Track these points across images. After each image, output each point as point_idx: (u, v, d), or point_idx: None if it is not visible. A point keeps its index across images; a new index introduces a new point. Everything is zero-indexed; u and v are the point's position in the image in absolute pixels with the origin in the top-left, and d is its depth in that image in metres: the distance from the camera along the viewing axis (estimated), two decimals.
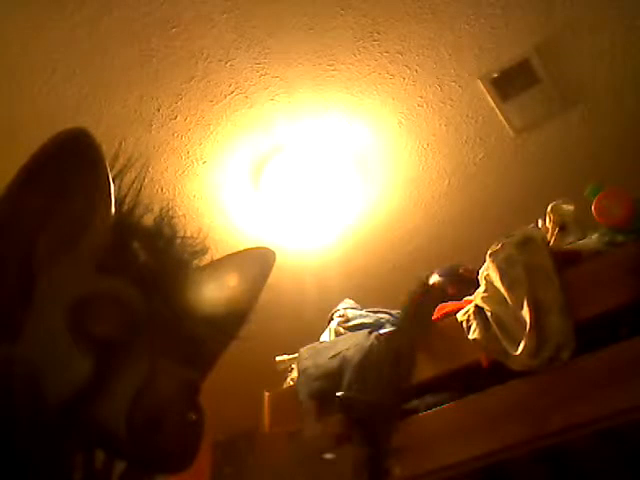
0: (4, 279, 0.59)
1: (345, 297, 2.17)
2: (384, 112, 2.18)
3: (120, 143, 0.67)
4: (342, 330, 1.96)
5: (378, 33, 1.95)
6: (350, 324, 1.97)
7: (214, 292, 0.71)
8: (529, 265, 1.57)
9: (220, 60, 1.96)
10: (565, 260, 1.59)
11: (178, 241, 0.70)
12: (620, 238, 1.60)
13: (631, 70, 2.12)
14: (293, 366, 1.88)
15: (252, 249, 0.78)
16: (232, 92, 2.05)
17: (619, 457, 1.53)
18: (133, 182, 0.69)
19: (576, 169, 2.37)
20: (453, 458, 1.55)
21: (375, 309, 2.06)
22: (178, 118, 2.10)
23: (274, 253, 0.78)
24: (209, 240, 0.74)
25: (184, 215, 0.73)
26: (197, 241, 0.73)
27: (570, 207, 1.75)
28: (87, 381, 0.56)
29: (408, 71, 2.07)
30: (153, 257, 0.66)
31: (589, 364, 1.48)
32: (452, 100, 2.17)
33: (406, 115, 2.20)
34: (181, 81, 2.00)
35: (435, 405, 1.62)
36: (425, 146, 2.31)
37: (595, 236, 1.65)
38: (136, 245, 0.66)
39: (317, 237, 2.53)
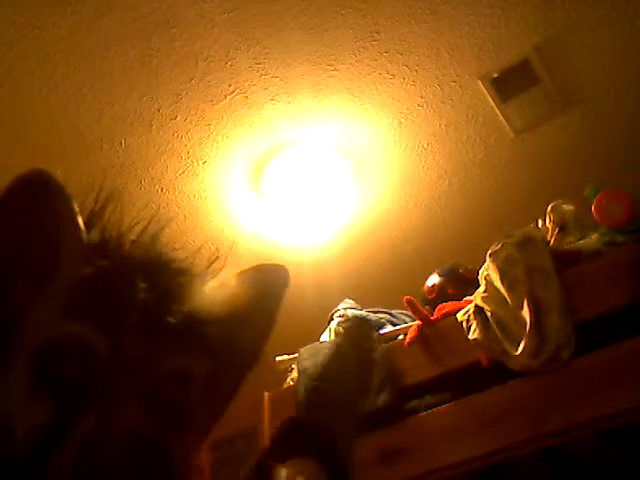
0: None
1: (344, 297, 2.17)
2: (384, 112, 2.18)
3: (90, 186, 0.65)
4: (342, 330, 1.95)
5: (378, 33, 1.95)
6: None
7: (214, 322, 0.64)
8: (529, 265, 1.57)
9: (220, 60, 1.96)
10: (565, 260, 1.59)
11: (166, 268, 0.66)
12: (620, 238, 1.60)
13: (631, 70, 2.12)
14: (293, 366, 1.88)
15: (261, 269, 0.71)
16: (232, 92, 2.05)
17: (619, 457, 1.53)
18: (110, 215, 0.65)
19: (576, 169, 2.37)
20: (453, 458, 1.55)
21: (375, 309, 2.06)
22: (178, 118, 2.10)
23: (287, 270, 0.71)
24: (208, 249, 0.69)
25: (185, 217, 0.70)
26: (189, 267, 0.67)
27: (570, 207, 1.75)
28: (44, 429, 0.54)
29: (408, 71, 2.07)
30: (130, 290, 0.61)
31: (589, 364, 1.48)
32: (452, 100, 2.17)
33: (406, 115, 2.20)
34: (181, 81, 2.00)
35: (435, 405, 1.62)
36: (425, 146, 2.31)
37: (595, 236, 1.65)
38: (112, 280, 0.62)
39: (316, 237, 2.53)
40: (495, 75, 2.10)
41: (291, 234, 2.49)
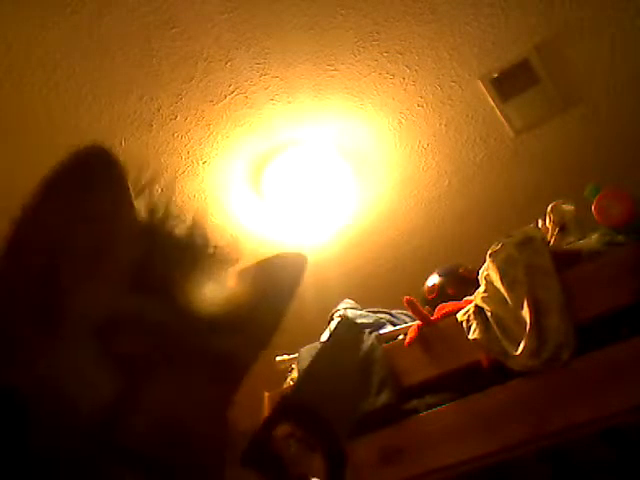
0: (27, 302, 0.58)
1: (345, 296, 2.17)
2: (384, 112, 2.18)
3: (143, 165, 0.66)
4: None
5: (378, 33, 1.95)
6: None
7: (245, 302, 0.68)
8: (529, 265, 1.57)
9: (220, 60, 1.96)
10: (565, 260, 1.59)
11: (209, 252, 0.68)
12: (620, 238, 1.60)
13: (631, 70, 2.13)
14: (293, 366, 1.88)
15: (282, 255, 0.75)
16: (232, 92, 2.05)
17: (619, 457, 1.53)
18: (161, 195, 0.67)
19: (576, 169, 2.37)
20: (453, 458, 1.55)
21: (375, 309, 2.06)
22: (178, 118, 2.10)
23: (306, 258, 0.75)
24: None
25: (209, 223, 0.71)
26: (228, 251, 0.70)
27: (570, 207, 1.75)
28: (113, 401, 0.55)
29: (408, 71, 2.07)
30: (182, 271, 0.64)
31: (589, 364, 1.48)
32: (452, 100, 2.17)
33: (406, 115, 2.20)
34: (181, 81, 2.00)
35: (435, 405, 1.62)
36: (425, 146, 2.31)
37: (595, 236, 1.65)
38: (165, 259, 0.64)
39: (317, 237, 2.53)
40: (495, 75, 2.10)
41: (291, 234, 2.49)
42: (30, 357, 0.58)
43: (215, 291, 0.66)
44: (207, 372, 0.61)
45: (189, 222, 0.68)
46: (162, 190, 0.68)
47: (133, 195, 0.61)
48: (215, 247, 0.69)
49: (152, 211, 0.66)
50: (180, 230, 0.67)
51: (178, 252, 0.66)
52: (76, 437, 0.55)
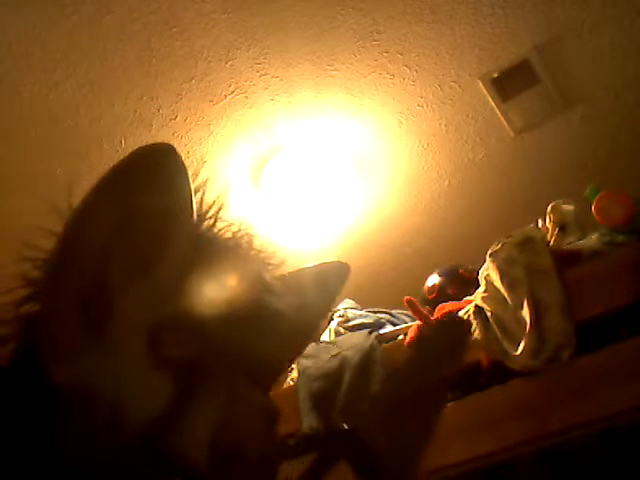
0: (74, 309, 0.56)
1: (345, 296, 2.17)
2: (384, 112, 2.18)
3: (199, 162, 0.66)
4: (342, 330, 1.96)
5: (378, 33, 1.95)
6: (350, 324, 1.97)
7: (289, 308, 0.67)
8: (529, 265, 1.57)
9: (220, 60, 1.96)
10: (565, 260, 1.59)
11: (255, 256, 0.67)
12: (620, 238, 1.60)
13: (631, 70, 2.12)
14: (293, 366, 1.88)
15: (327, 263, 0.77)
16: (232, 92, 2.05)
17: (619, 457, 1.53)
18: (215, 199, 0.66)
19: (576, 169, 2.37)
20: (453, 458, 1.55)
21: (375, 309, 2.06)
22: (178, 118, 2.10)
23: (349, 267, 0.77)
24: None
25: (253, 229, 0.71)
26: (273, 255, 0.70)
27: (570, 207, 1.75)
28: (165, 407, 0.54)
29: (408, 71, 2.07)
30: (232, 274, 0.63)
31: (589, 364, 1.48)
32: (452, 100, 2.17)
33: (406, 115, 2.20)
34: (181, 81, 2.00)
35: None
36: (425, 146, 2.31)
37: (595, 236, 1.65)
38: (215, 262, 0.63)
39: (317, 237, 2.53)
40: (495, 75, 2.10)
41: (291, 235, 2.49)
42: (73, 355, 0.56)
43: (260, 295, 0.64)
44: (254, 379, 0.60)
45: (236, 226, 0.67)
46: (215, 193, 0.66)
47: (193, 195, 0.60)
48: (260, 251, 0.68)
49: (204, 213, 0.65)
50: (228, 233, 0.66)
51: (226, 254, 0.64)
52: (118, 445, 0.53)
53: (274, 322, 0.63)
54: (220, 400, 0.56)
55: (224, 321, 0.59)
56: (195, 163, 2.24)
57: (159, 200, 0.57)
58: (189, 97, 2.04)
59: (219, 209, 0.66)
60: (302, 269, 0.73)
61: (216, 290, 0.60)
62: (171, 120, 2.10)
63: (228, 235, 0.66)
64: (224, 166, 2.26)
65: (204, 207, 0.65)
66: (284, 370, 0.75)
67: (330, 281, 0.75)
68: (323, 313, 0.76)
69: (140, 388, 0.55)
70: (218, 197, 0.66)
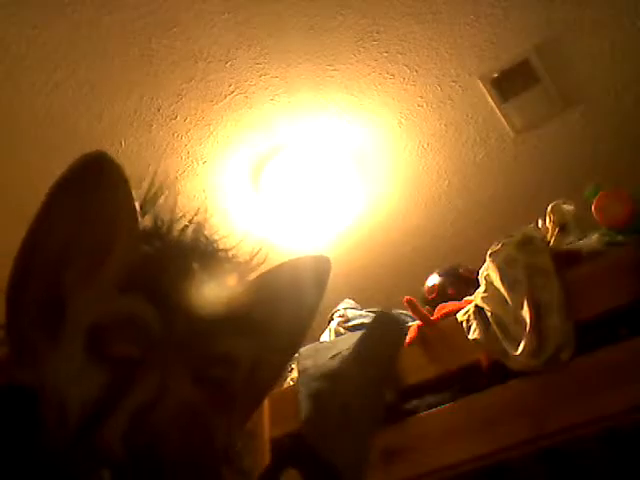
0: (34, 312, 0.60)
1: (345, 297, 2.17)
2: (384, 112, 2.18)
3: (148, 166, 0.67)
4: (342, 330, 1.96)
5: (378, 33, 1.95)
6: (350, 324, 1.97)
7: (258, 307, 0.66)
8: (529, 265, 1.57)
9: (220, 60, 1.96)
10: (565, 260, 1.59)
11: (214, 254, 0.67)
12: (620, 238, 1.60)
13: (631, 70, 2.12)
14: (293, 366, 1.88)
15: (303, 258, 0.73)
16: (232, 92, 2.05)
17: (619, 457, 1.53)
18: (163, 199, 0.68)
19: (576, 169, 2.37)
20: (453, 458, 1.55)
21: (375, 309, 2.06)
22: (178, 118, 2.10)
23: (329, 260, 0.73)
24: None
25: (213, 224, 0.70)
26: (241, 255, 0.69)
27: (570, 207, 1.75)
28: (99, 398, 0.56)
29: (408, 71, 2.07)
30: (184, 273, 0.63)
31: (589, 364, 1.48)
32: (452, 100, 2.17)
33: (406, 115, 2.20)
34: (181, 81, 2.00)
35: (435, 405, 1.62)
36: (425, 146, 2.31)
37: (595, 236, 1.65)
38: (165, 261, 0.63)
39: (317, 237, 2.53)
40: (495, 75, 2.10)
41: (291, 235, 2.49)
42: (35, 358, 0.60)
43: (221, 293, 0.64)
44: (196, 375, 0.59)
45: (193, 224, 0.67)
46: (165, 192, 0.68)
47: (135, 198, 0.62)
48: (222, 249, 0.68)
49: (156, 214, 0.66)
50: (184, 232, 0.67)
51: (180, 254, 0.65)
52: (62, 436, 0.56)
53: (236, 320, 0.63)
54: (147, 392, 0.56)
55: (168, 318, 0.59)
56: (195, 163, 2.24)
57: (102, 205, 0.61)
58: (189, 97, 2.04)
59: (171, 208, 0.67)
60: (278, 266, 0.71)
61: (160, 287, 0.61)
62: (171, 120, 2.10)
63: (184, 233, 0.67)
64: (224, 166, 2.26)
65: (155, 208, 0.67)
66: (272, 375, 0.73)
67: (309, 278, 0.72)
68: (307, 312, 0.73)
69: (77, 382, 0.57)
70: (169, 195, 0.68)
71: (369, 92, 2.11)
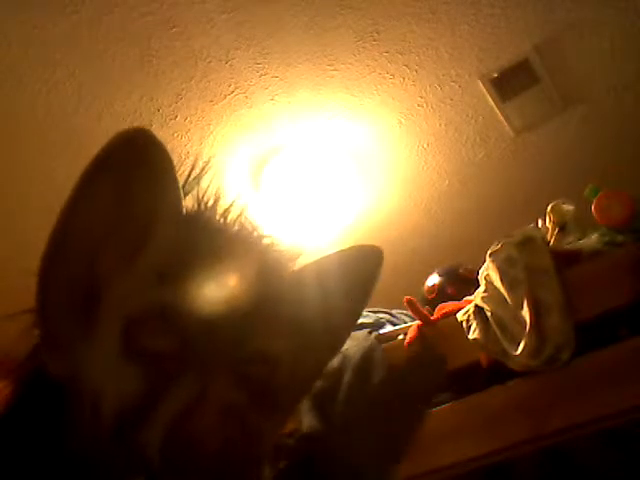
0: (67, 300, 0.56)
1: None
2: (384, 112, 2.18)
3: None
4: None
5: (378, 33, 1.95)
6: None
7: (301, 303, 0.61)
8: (529, 265, 1.57)
9: (220, 60, 1.96)
10: (565, 260, 1.59)
11: (259, 245, 0.63)
12: (620, 238, 1.60)
13: (631, 70, 2.12)
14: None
15: (354, 248, 0.68)
16: (232, 92, 2.05)
17: (619, 457, 1.53)
18: (209, 184, 0.62)
19: (576, 169, 2.37)
20: (453, 458, 1.54)
21: (375, 309, 2.06)
22: (178, 118, 2.10)
23: (381, 252, 0.67)
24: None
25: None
26: (282, 246, 0.65)
27: (570, 207, 1.75)
28: (136, 399, 0.52)
29: (408, 71, 2.07)
30: (222, 260, 0.58)
31: (589, 364, 1.48)
32: (452, 100, 2.17)
33: (406, 115, 2.20)
34: (181, 81, 2.00)
35: (435, 405, 1.62)
36: (425, 146, 2.31)
37: (595, 236, 1.65)
38: (208, 251, 0.58)
39: (316, 237, 2.53)
40: (495, 75, 2.10)
41: (291, 235, 2.49)
42: (67, 349, 0.55)
43: (265, 285, 0.59)
44: (232, 381, 0.54)
45: (236, 208, 0.63)
46: (208, 173, 0.63)
47: (180, 183, 0.58)
48: (267, 236, 0.64)
49: (199, 197, 0.61)
50: (226, 216, 0.62)
51: (222, 241, 0.60)
52: (95, 436, 0.52)
53: (275, 318, 0.59)
54: (186, 395, 0.52)
55: (208, 312, 0.55)
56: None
57: (145, 189, 0.56)
58: (189, 97, 2.04)
59: (218, 196, 0.63)
60: (322, 259, 0.66)
61: (204, 279, 0.56)
62: (171, 120, 2.10)
63: (229, 223, 0.62)
64: (224, 166, 2.26)
65: (201, 194, 0.62)
66: (310, 378, 0.67)
67: (358, 273, 0.66)
68: (353, 310, 0.67)
69: (113, 379, 0.53)
70: (214, 183, 0.63)
71: (369, 92, 2.11)
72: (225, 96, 2.06)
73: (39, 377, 0.56)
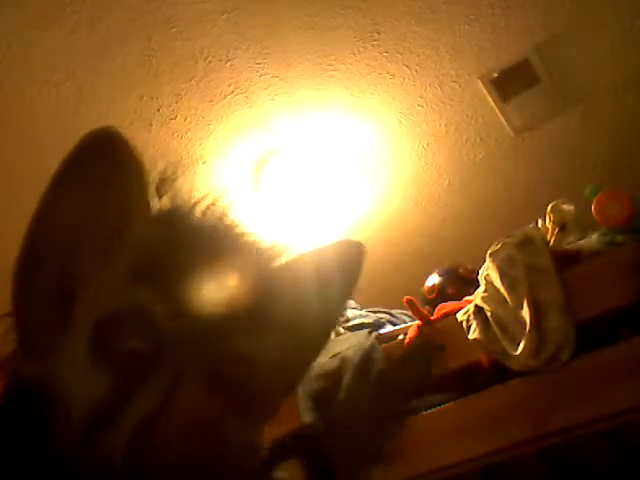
0: (41, 303, 0.56)
1: None
2: (384, 112, 2.18)
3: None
4: (342, 330, 1.95)
5: (378, 33, 1.95)
6: (350, 324, 1.97)
7: (281, 301, 0.59)
8: (529, 265, 1.57)
9: (220, 60, 1.96)
10: (565, 260, 1.59)
11: (237, 240, 0.61)
12: (620, 238, 1.60)
13: (631, 70, 2.12)
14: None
15: (330, 245, 0.66)
16: (232, 92, 2.05)
17: (619, 457, 1.53)
18: (182, 183, 0.61)
19: (576, 169, 2.37)
20: (453, 458, 1.55)
21: (375, 309, 2.06)
22: (178, 118, 2.10)
23: (361, 245, 0.67)
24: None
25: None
26: (270, 244, 0.63)
27: (570, 207, 1.75)
28: (104, 402, 0.51)
29: (408, 71, 2.07)
30: (198, 259, 0.57)
31: (589, 364, 1.48)
32: (452, 100, 2.17)
33: (406, 115, 2.20)
34: (181, 81, 2.00)
35: (435, 405, 1.62)
36: (425, 146, 2.31)
37: (595, 236, 1.65)
38: (180, 247, 0.57)
39: (316, 237, 2.53)
40: (495, 75, 2.10)
41: (291, 235, 2.49)
42: (43, 349, 0.55)
43: (243, 285, 0.58)
44: (205, 384, 0.53)
45: (215, 206, 0.61)
46: (185, 173, 0.62)
47: (151, 181, 0.57)
48: (246, 233, 0.62)
49: (175, 195, 0.60)
50: (205, 215, 0.61)
51: (199, 240, 0.59)
52: (66, 440, 0.51)
53: (256, 316, 0.57)
54: (154, 398, 0.51)
55: (182, 312, 0.54)
56: (195, 163, 2.24)
57: (114, 189, 0.56)
58: (189, 97, 2.04)
59: (188, 194, 0.62)
60: (307, 254, 0.64)
61: (178, 279, 0.55)
62: (171, 120, 2.10)
63: (206, 221, 0.60)
64: (224, 166, 2.26)
65: (177, 193, 0.61)
66: (296, 375, 0.67)
67: (338, 269, 0.65)
68: (334, 308, 0.66)
69: (83, 382, 0.52)
70: (185, 181, 0.62)
71: (369, 92, 2.11)
72: (225, 96, 2.06)
73: (16, 380, 0.55)
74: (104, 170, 0.55)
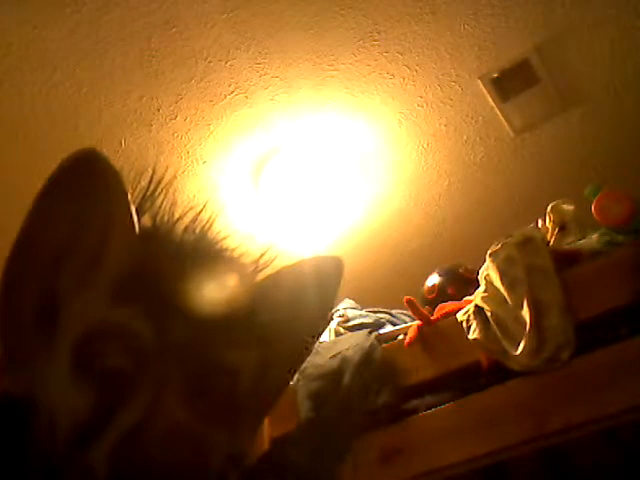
0: (25, 318, 0.57)
1: (345, 297, 2.17)
2: (384, 112, 2.18)
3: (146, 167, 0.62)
4: (342, 330, 1.95)
5: (378, 33, 1.95)
6: (350, 324, 1.97)
7: (262, 314, 0.61)
8: (529, 265, 1.57)
9: (220, 60, 1.96)
10: (565, 260, 1.59)
11: (218, 255, 0.62)
12: (620, 238, 1.60)
13: (631, 70, 2.12)
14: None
15: (310, 259, 0.68)
16: (232, 92, 2.05)
17: (619, 457, 1.53)
18: (163, 199, 0.62)
19: (576, 169, 2.37)
20: (453, 458, 1.55)
21: (375, 309, 2.06)
22: (178, 118, 2.10)
23: (340, 261, 0.67)
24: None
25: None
26: (249, 254, 0.64)
27: (570, 207, 1.75)
28: (87, 417, 0.52)
29: (408, 71, 2.07)
30: (179, 276, 0.58)
31: (589, 364, 1.48)
32: (452, 100, 2.17)
33: (406, 115, 2.20)
34: (181, 81, 2.00)
35: (435, 405, 1.62)
36: (425, 146, 2.31)
37: (595, 236, 1.65)
38: (162, 264, 0.59)
39: (316, 237, 2.53)
40: (495, 75, 2.10)
41: (291, 235, 2.49)
42: (24, 364, 0.56)
43: (224, 299, 0.60)
44: (188, 397, 0.54)
45: (196, 223, 0.63)
46: (166, 189, 0.63)
47: (132, 199, 0.58)
48: (227, 249, 0.63)
49: (156, 213, 0.62)
50: (186, 231, 0.62)
51: (180, 256, 0.60)
52: (51, 454, 0.52)
53: (236, 328, 0.59)
54: (135, 413, 0.52)
55: (163, 329, 0.55)
56: (195, 163, 2.24)
57: (95, 209, 0.57)
58: (189, 97, 2.04)
59: (172, 209, 0.63)
60: (288, 267, 0.66)
61: (159, 296, 0.57)
62: (171, 120, 2.10)
63: (188, 237, 0.62)
64: (224, 166, 2.26)
65: (159, 210, 0.62)
66: (277, 388, 0.68)
67: (322, 280, 0.66)
68: (315, 322, 0.67)
69: (66, 397, 0.53)
70: (169, 196, 0.63)
71: (369, 92, 2.11)
72: (225, 96, 2.06)
73: (1, 394, 0.56)
74: (87, 188, 0.56)
